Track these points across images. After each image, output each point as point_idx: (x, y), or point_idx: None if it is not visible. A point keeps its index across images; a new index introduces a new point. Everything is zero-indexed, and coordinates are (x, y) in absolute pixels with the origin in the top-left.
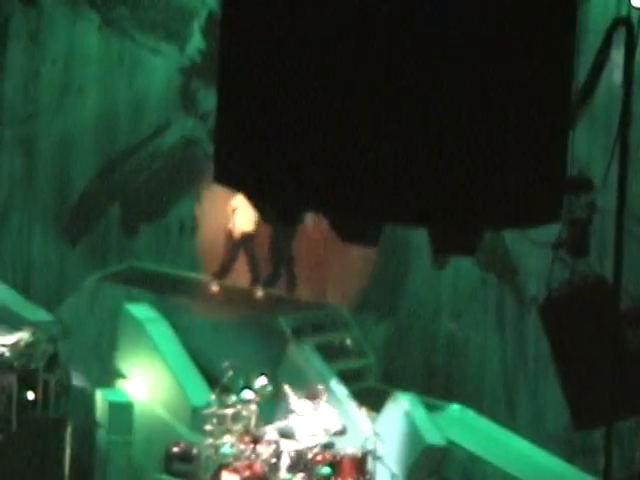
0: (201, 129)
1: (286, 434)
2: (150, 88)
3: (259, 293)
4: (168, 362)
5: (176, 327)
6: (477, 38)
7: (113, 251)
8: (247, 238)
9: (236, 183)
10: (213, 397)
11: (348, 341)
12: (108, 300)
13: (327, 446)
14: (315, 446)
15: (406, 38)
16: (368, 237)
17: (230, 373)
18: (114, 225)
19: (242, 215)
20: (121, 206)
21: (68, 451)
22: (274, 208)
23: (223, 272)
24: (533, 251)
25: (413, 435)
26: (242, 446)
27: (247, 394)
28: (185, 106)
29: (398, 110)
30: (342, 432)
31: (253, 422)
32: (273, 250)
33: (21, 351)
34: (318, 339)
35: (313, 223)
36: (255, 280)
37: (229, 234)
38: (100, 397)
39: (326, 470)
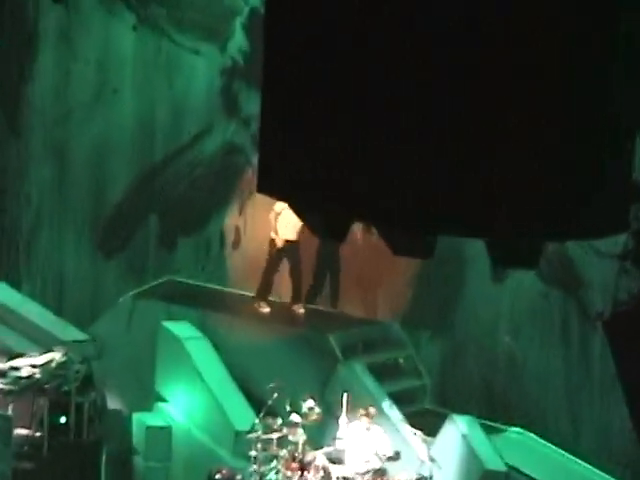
0: (244, 134)
1: (335, 459)
2: (190, 90)
3: (301, 309)
4: (209, 383)
5: (217, 346)
6: (536, 33)
7: (151, 265)
8: (290, 248)
9: (280, 193)
10: (257, 421)
11: (401, 360)
12: (146, 317)
13: (379, 472)
14: (366, 472)
15: (458, 40)
16: (421, 249)
17: (275, 395)
18: (152, 238)
19: (286, 222)
20: (159, 217)
21: (103, 478)
22: (321, 220)
23: (265, 286)
24: (598, 263)
25: (471, 460)
26: (289, 472)
27: (294, 417)
28: (227, 109)
29: (454, 120)
30: (395, 457)
31: (300, 447)
32: (318, 262)
33: (53, 372)
34: (369, 358)
35: (362, 234)
36: (297, 295)
37: (271, 243)
38: (137, 421)
39: None
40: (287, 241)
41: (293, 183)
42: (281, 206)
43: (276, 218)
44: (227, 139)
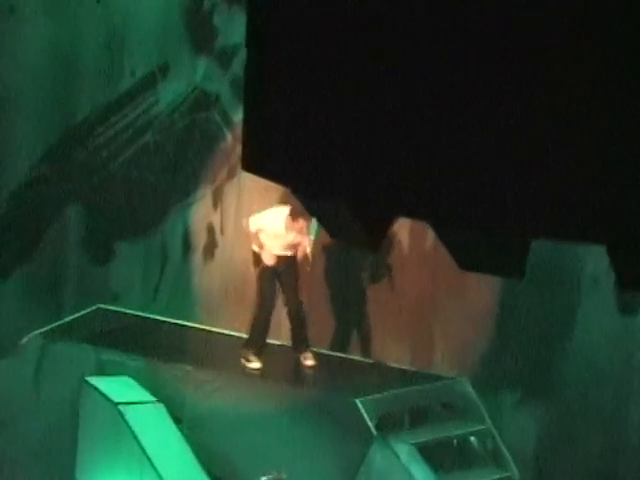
0: (220, 78)
1: None
2: (134, 10)
3: (310, 360)
4: (163, 474)
5: (178, 417)
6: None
7: (70, 287)
8: (286, 268)
9: (278, 174)
10: None
11: (473, 439)
12: (62, 370)
13: None
14: None
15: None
16: (507, 265)
17: None
18: (71, 244)
19: (276, 226)
20: (84, 211)
21: None
22: (344, 218)
23: (259, 329)
24: None
25: None
26: None
27: None
28: (193, 40)
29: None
30: None
31: None
32: (336, 286)
33: None
34: (421, 436)
35: (407, 241)
36: (299, 337)
37: (256, 261)
38: None
39: None
40: (277, 257)
41: (298, 158)
42: (257, 223)
43: (257, 232)
44: (194, 86)
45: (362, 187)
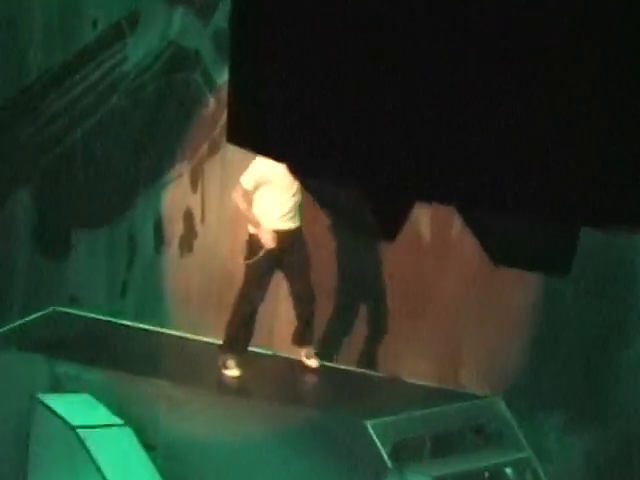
0: (199, 31)
1: None
2: None
3: (312, 361)
4: None
5: (151, 442)
6: None
7: (19, 285)
8: (289, 247)
9: (275, 148)
10: None
11: (509, 471)
12: (9, 385)
13: None
14: None
15: None
16: (550, 260)
17: None
18: (19, 233)
19: (274, 198)
20: (35, 196)
21: None
22: (353, 201)
23: (240, 328)
24: None
25: None
26: None
27: None
28: None
29: None
30: None
31: None
32: (343, 280)
33: None
34: (446, 467)
35: (429, 228)
36: (305, 329)
37: (251, 243)
38: None
39: None
40: (281, 234)
41: (297, 128)
42: (257, 175)
43: (247, 196)
44: (168, 40)
45: (375, 165)
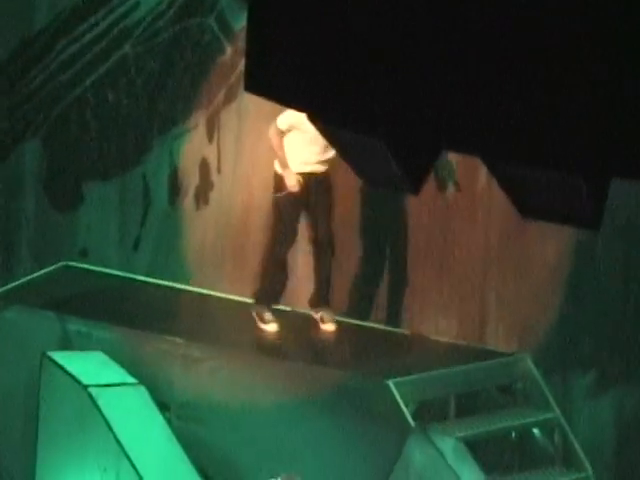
0: None
1: None
2: None
3: (332, 326)
4: (143, 471)
5: (165, 401)
6: None
7: (27, 239)
8: (317, 192)
9: (295, 96)
10: None
11: (536, 431)
12: (18, 342)
13: None
14: None
15: None
16: (580, 212)
17: None
18: (29, 186)
19: (302, 143)
20: (44, 146)
21: None
22: (375, 151)
23: (270, 282)
24: None
25: None
26: None
27: None
28: None
29: None
30: None
31: None
32: (367, 235)
33: None
34: (471, 427)
35: (456, 182)
36: (322, 293)
37: (277, 186)
38: None
39: None
40: (305, 177)
41: (318, 75)
42: (291, 118)
43: (280, 136)
44: None
45: (397, 114)
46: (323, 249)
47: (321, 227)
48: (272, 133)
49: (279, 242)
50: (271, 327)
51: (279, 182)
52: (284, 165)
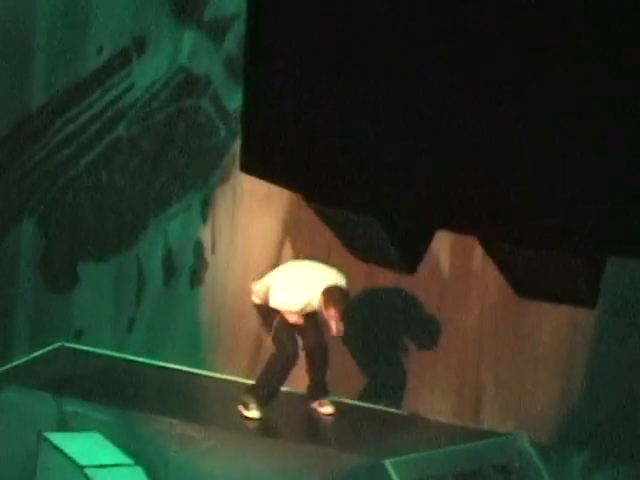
0: (211, 56)
1: None
2: None
3: (329, 408)
4: None
5: None
6: None
7: (23, 320)
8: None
9: (290, 177)
10: None
11: None
12: (15, 423)
13: None
14: None
15: None
16: (576, 291)
17: None
18: (25, 266)
19: (288, 283)
20: (40, 227)
21: None
22: (382, 231)
23: (271, 375)
24: None
25: None
26: None
27: None
28: (177, 7)
29: None
30: None
31: None
32: (359, 322)
33: None
34: None
35: (449, 263)
36: (320, 385)
37: (264, 314)
38: None
39: None
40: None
41: (313, 157)
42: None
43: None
44: (177, 66)
45: (394, 195)
46: (316, 356)
47: (312, 338)
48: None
49: (280, 355)
50: (253, 414)
51: (265, 310)
52: (264, 302)
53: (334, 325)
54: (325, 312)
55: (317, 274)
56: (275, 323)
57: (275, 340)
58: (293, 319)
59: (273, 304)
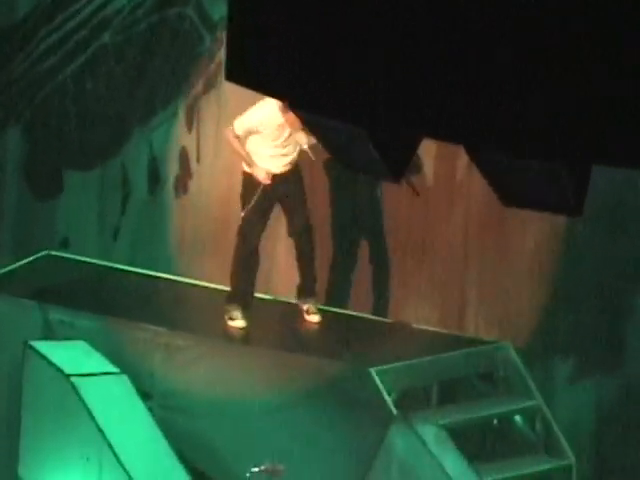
0: None
1: None
2: None
3: (315, 316)
4: (126, 461)
5: (148, 391)
6: None
7: (7, 229)
8: (287, 191)
9: (276, 84)
10: None
11: (518, 418)
12: (1, 332)
13: None
14: None
15: None
16: (561, 199)
17: None
18: (9, 175)
19: (272, 138)
20: (24, 135)
21: None
22: (356, 138)
23: (243, 277)
24: None
25: None
26: None
27: None
28: None
29: None
30: None
31: None
32: (341, 227)
33: None
34: (453, 415)
35: (433, 171)
36: (308, 285)
37: (246, 184)
38: None
39: None
40: (278, 177)
41: (299, 64)
42: (246, 123)
43: (239, 139)
44: None
45: (379, 101)
46: (303, 241)
47: (297, 220)
48: (230, 137)
49: (246, 239)
50: (238, 324)
51: (250, 180)
52: (250, 163)
53: (298, 135)
54: (289, 117)
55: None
56: (250, 204)
57: (240, 231)
58: (263, 176)
59: (237, 130)
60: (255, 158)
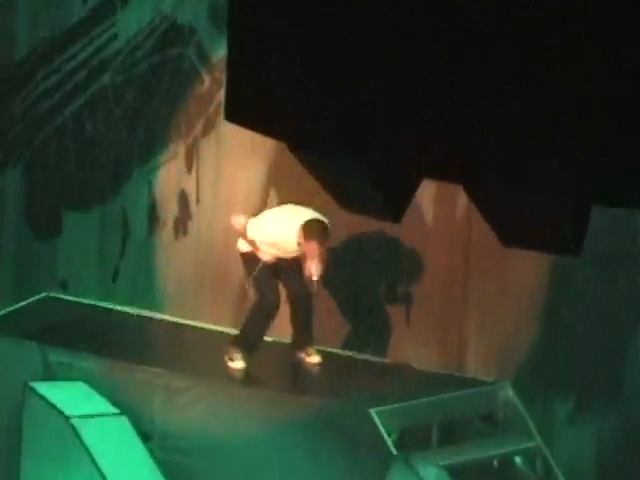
0: (195, 3)
1: None
2: None
3: (315, 358)
4: None
5: (147, 432)
6: None
7: (7, 270)
8: (291, 262)
9: (275, 125)
10: None
11: (518, 460)
12: (1, 373)
13: None
14: None
15: None
16: (561, 240)
17: None
18: (9, 216)
19: (289, 243)
20: (24, 176)
21: None
22: (367, 180)
23: (254, 324)
24: None
25: None
26: None
27: None
28: None
29: None
30: None
31: None
32: (344, 272)
33: None
34: (454, 456)
35: (432, 212)
36: (305, 334)
37: (248, 260)
38: None
39: None
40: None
41: (299, 105)
42: (283, 231)
43: (256, 233)
44: (162, 15)
45: (379, 143)
46: (302, 305)
47: (296, 289)
48: (236, 226)
49: (261, 303)
50: (237, 365)
51: (250, 258)
52: (255, 248)
53: (312, 265)
54: (305, 247)
55: (297, 210)
56: (256, 271)
57: (255, 288)
58: (267, 257)
59: (250, 235)
60: (261, 246)
